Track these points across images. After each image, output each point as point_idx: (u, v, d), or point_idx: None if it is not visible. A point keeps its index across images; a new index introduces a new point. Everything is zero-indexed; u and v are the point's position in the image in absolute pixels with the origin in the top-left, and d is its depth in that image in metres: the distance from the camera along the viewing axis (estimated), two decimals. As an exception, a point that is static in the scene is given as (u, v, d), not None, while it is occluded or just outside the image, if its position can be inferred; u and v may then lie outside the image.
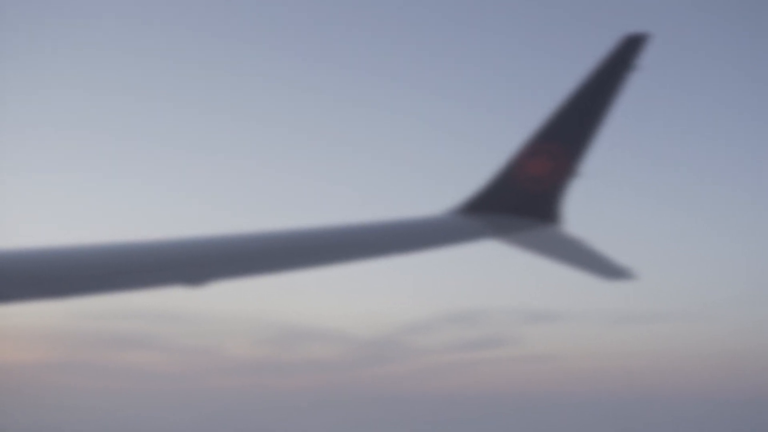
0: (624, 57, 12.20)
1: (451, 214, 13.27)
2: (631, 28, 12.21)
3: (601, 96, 12.41)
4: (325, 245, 10.91)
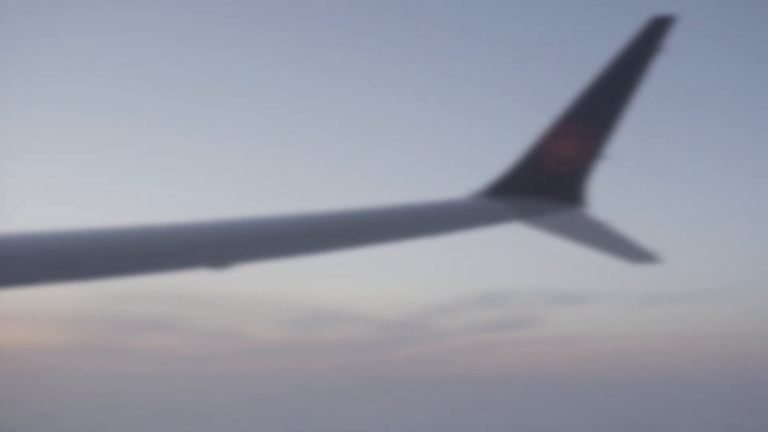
0: (650, 39, 12.10)
1: (477, 196, 13.26)
2: (658, 9, 12.13)
3: (627, 78, 12.33)
4: (351, 228, 10.95)
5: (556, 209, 13.05)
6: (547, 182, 13.09)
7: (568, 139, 12.82)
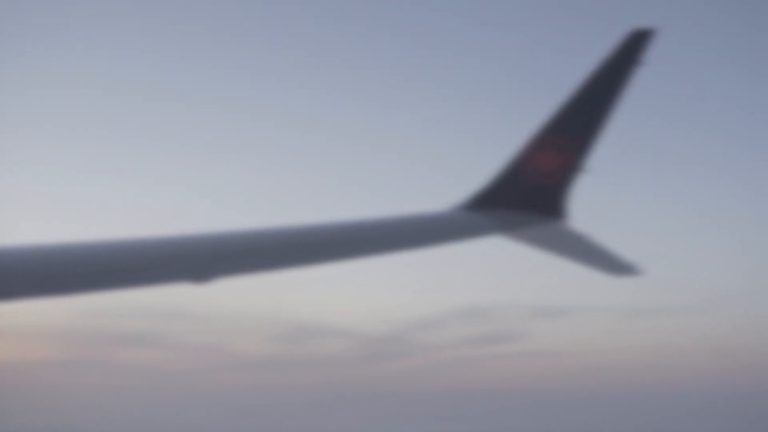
0: (630, 52, 12.17)
1: (458, 210, 13.26)
2: (638, 23, 12.20)
3: (607, 91, 12.38)
4: (332, 241, 10.92)
5: (538, 222, 13.07)
6: (528, 195, 13.11)
7: (549, 152, 12.86)
